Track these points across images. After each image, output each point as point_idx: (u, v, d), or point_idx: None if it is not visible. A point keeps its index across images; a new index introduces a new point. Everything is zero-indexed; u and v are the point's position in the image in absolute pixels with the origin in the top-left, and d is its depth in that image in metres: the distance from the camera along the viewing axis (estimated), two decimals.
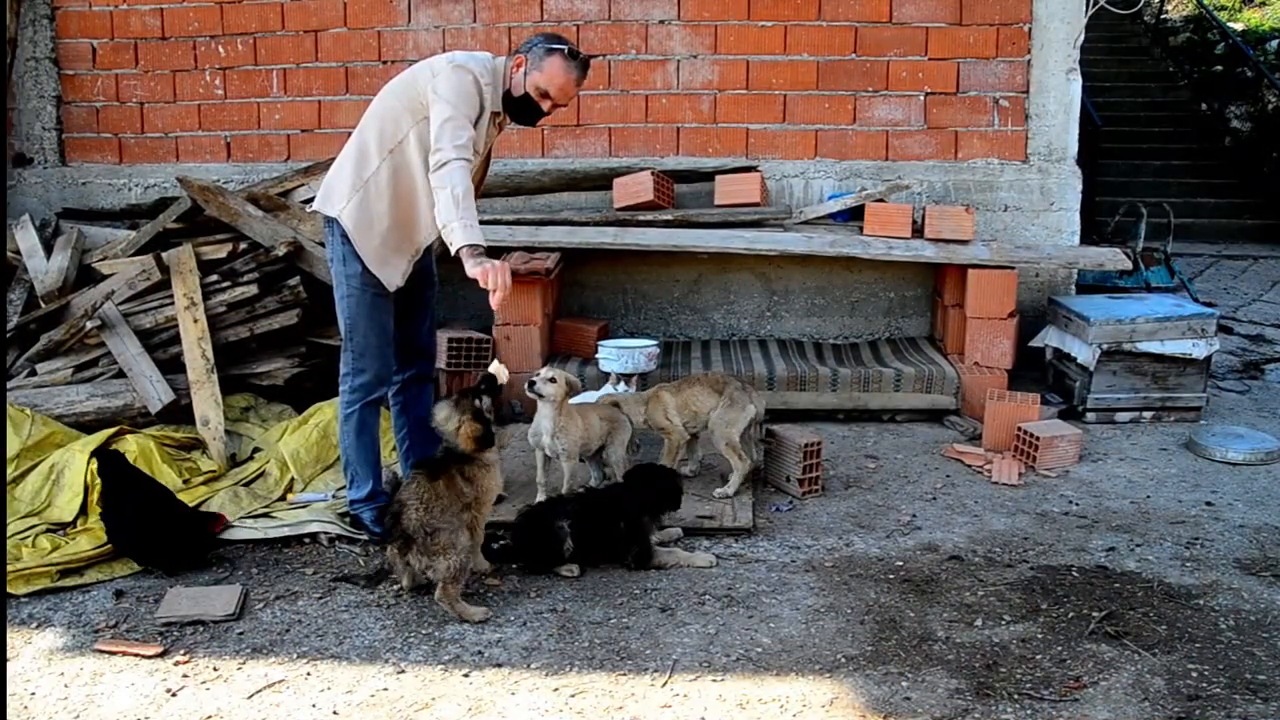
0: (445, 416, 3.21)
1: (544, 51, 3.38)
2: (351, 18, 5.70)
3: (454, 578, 3.02)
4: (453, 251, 3.17)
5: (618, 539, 3.36)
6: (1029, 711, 2.59)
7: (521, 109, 3.46)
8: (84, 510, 3.75)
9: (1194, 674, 2.75)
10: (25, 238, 5.21)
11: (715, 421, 3.95)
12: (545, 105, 3.42)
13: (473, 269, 3.12)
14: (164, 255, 4.74)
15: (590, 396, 4.31)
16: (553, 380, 3.70)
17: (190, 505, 3.70)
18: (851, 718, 2.58)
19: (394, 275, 3.49)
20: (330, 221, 3.45)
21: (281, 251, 4.73)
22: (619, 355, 4.61)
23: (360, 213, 3.40)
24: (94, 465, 3.73)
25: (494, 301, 3.14)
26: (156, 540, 3.39)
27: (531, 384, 3.69)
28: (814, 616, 3.07)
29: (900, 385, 4.92)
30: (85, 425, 4.34)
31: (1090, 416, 4.91)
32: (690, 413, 4.00)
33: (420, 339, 3.76)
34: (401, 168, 3.38)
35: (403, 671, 2.80)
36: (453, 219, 3.13)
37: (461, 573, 3.05)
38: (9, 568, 3.31)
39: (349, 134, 3.53)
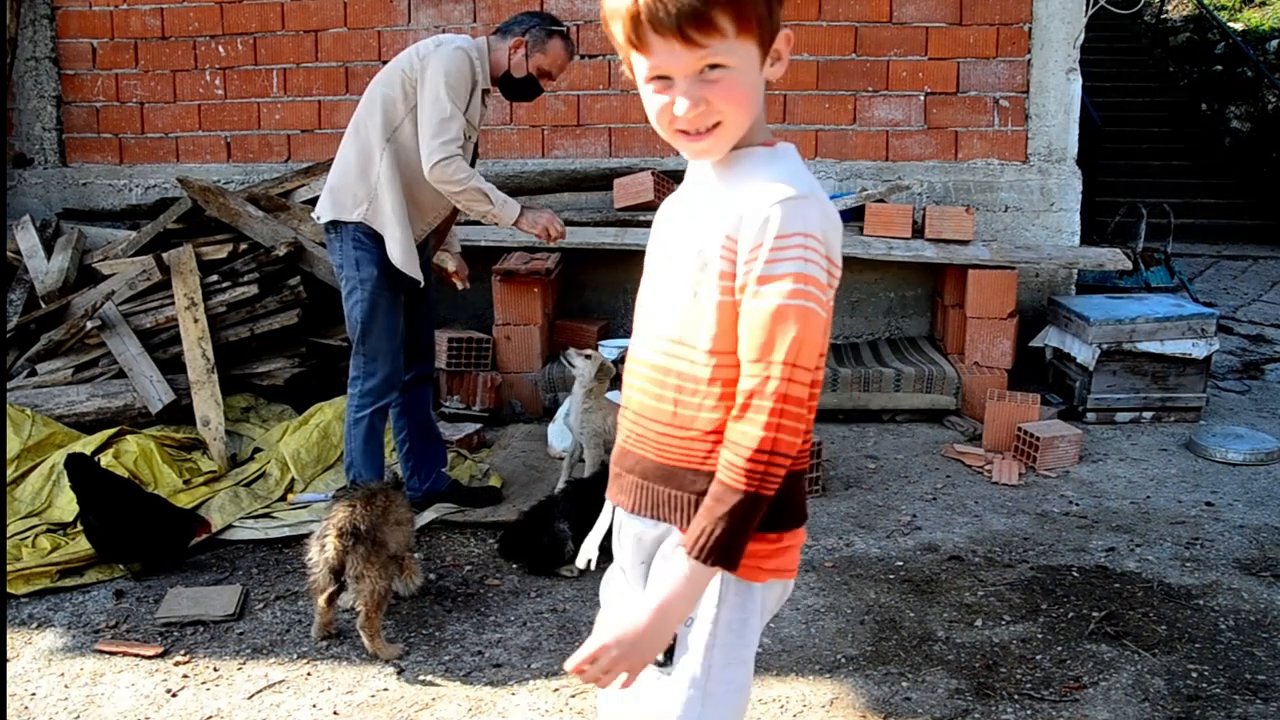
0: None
1: (545, 34, 3.52)
2: (352, 18, 5.71)
3: (377, 605, 2.86)
4: (503, 227, 3.56)
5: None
6: (1029, 712, 2.59)
7: (523, 89, 3.61)
8: None
9: (1194, 674, 2.75)
10: (26, 238, 5.21)
11: None
12: (546, 84, 3.62)
13: (529, 227, 3.50)
14: (164, 255, 4.74)
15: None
16: (587, 357, 3.84)
17: (170, 502, 3.66)
18: (851, 718, 2.58)
19: (416, 268, 3.51)
20: (339, 226, 3.45)
21: (282, 252, 4.73)
22: (619, 355, 4.60)
23: (379, 211, 3.41)
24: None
25: (553, 240, 3.59)
26: (135, 538, 3.37)
27: (565, 349, 3.91)
28: (814, 616, 3.07)
29: (900, 385, 4.92)
30: (86, 425, 4.34)
31: (1090, 417, 4.91)
32: None
33: (422, 339, 3.77)
34: (400, 153, 3.41)
35: (403, 671, 2.81)
36: (489, 207, 3.42)
37: (385, 600, 2.90)
38: (9, 568, 3.31)
39: None
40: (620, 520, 1.55)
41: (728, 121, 1.36)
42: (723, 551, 1.33)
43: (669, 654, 1.45)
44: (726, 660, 1.44)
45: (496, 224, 3.53)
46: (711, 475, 1.37)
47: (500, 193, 3.45)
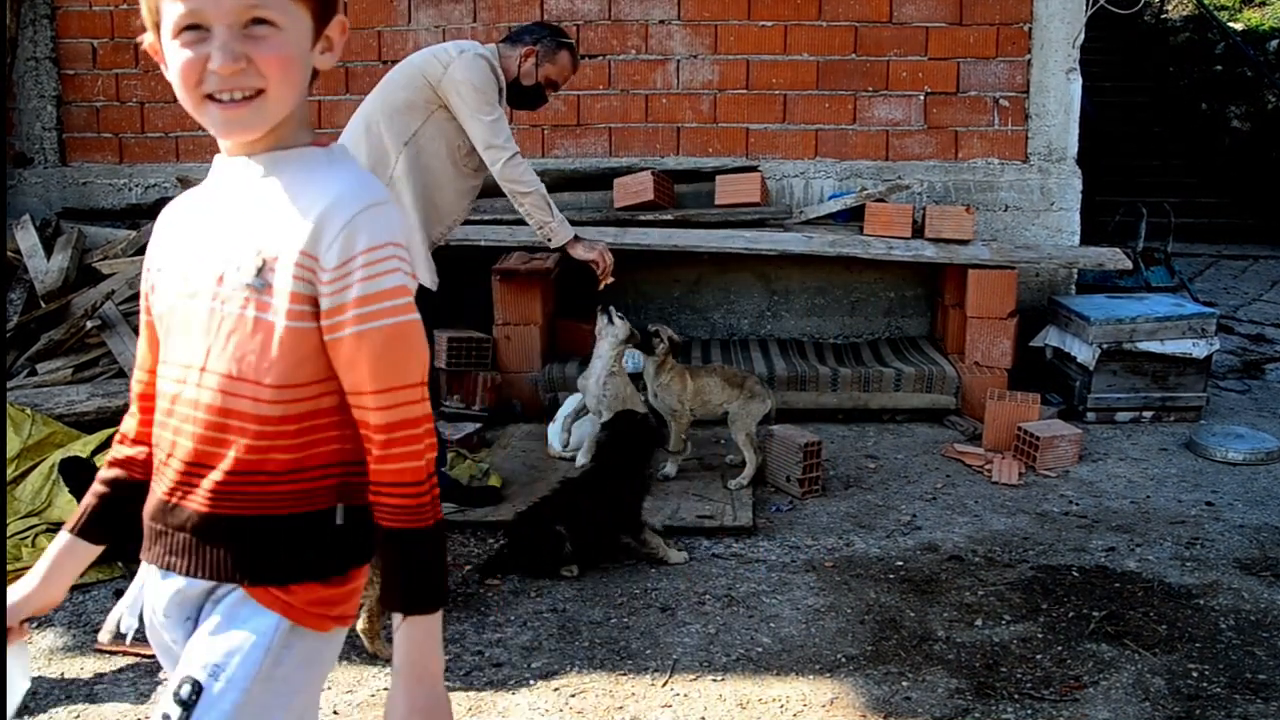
0: None
1: (555, 45, 3.62)
2: (352, 17, 5.70)
3: (381, 609, 2.82)
4: (554, 246, 3.62)
5: (609, 526, 3.37)
6: (1029, 711, 2.59)
7: (529, 97, 3.68)
8: None
9: (1194, 674, 2.75)
10: (25, 237, 5.21)
11: (736, 413, 4.06)
12: (550, 95, 3.73)
13: (585, 254, 3.65)
14: None
15: (576, 400, 4.33)
16: (610, 323, 4.07)
17: None
18: (851, 717, 2.58)
19: (432, 272, 3.51)
20: None
21: None
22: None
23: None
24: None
25: (603, 281, 3.69)
26: (134, 537, 3.36)
27: (608, 305, 4.11)
28: (814, 616, 3.07)
29: (900, 385, 4.92)
30: (86, 425, 4.34)
31: (1090, 416, 4.91)
32: (700, 401, 4.09)
33: None
34: (420, 156, 3.41)
35: None
36: (549, 218, 3.55)
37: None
38: (9, 567, 3.31)
39: None
40: (156, 578, 1.35)
41: (271, 92, 1.21)
42: (435, 593, 1.26)
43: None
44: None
45: (549, 241, 3.62)
46: (295, 517, 1.26)
47: (559, 211, 3.58)
